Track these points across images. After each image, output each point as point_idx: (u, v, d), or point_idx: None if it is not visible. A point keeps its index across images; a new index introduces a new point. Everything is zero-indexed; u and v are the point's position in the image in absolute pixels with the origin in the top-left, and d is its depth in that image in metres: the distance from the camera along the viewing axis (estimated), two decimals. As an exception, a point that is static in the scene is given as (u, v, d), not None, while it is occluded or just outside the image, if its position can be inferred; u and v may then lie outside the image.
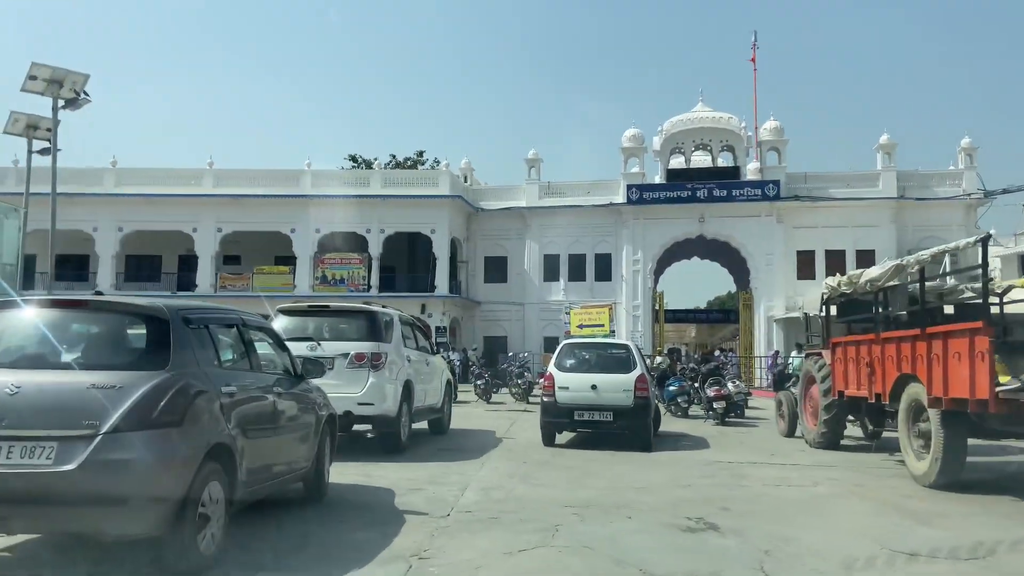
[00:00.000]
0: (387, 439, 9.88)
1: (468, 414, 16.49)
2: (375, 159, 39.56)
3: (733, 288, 55.69)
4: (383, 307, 10.76)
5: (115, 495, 3.99)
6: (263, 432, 5.30)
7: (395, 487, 7.37)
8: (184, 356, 4.53)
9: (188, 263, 36.14)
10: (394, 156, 49.54)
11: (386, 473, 8.22)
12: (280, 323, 9.77)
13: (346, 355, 9.36)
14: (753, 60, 38.53)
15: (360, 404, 9.29)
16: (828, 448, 10.82)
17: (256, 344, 5.93)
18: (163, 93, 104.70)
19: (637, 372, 10.90)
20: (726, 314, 50.29)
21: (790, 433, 12.57)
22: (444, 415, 12.47)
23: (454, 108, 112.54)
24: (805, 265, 34.32)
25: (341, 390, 9.17)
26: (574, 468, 8.99)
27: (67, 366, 4.33)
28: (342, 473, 7.93)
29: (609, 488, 7.64)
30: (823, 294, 11.07)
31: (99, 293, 5.46)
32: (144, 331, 4.56)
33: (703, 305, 63.46)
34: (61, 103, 13.87)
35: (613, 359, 11.44)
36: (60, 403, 4.07)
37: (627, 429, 10.87)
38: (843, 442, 11.21)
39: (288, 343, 9.15)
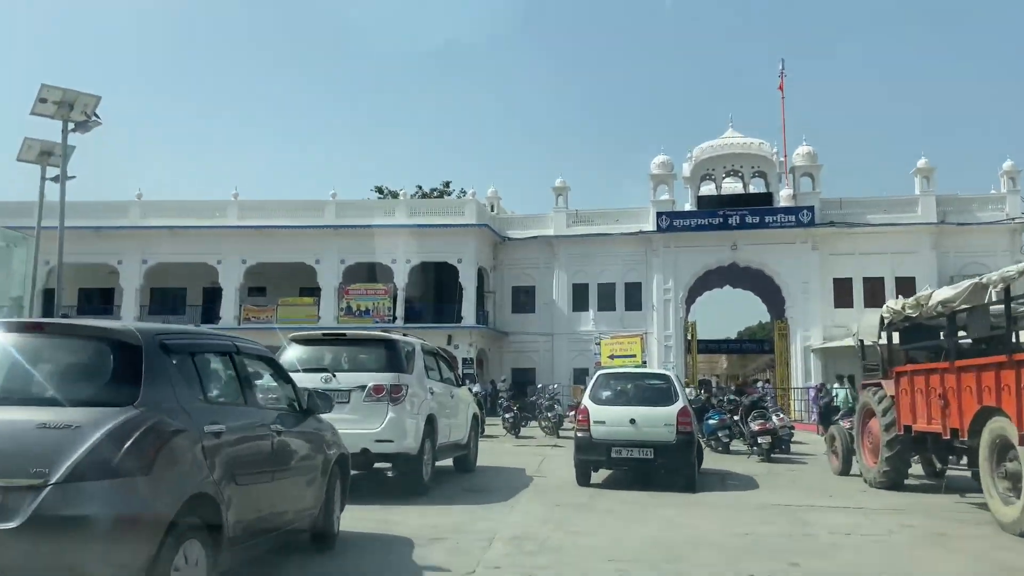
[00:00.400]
0: (408, 479, 9.08)
1: (495, 449, 15.65)
2: (401, 189, 39.20)
3: (764, 318, 54.45)
4: (404, 335, 10.04)
5: (67, 560, 3.25)
6: (258, 477, 4.55)
7: (415, 536, 6.56)
8: (159, 389, 3.80)
9: (213, 295, 35.80)
10: (420, 187, 49.24)
11: (406, 518, 7.42)
12: (292, 353, 9.08)
13: (363, 387, 8.60)
14: (781, 88, 37.85)
15: (378, 441, 8.51)
16: (891, 488, 9.83)
17: (255, 376, 5.22)
18: (181, 121, 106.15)
19: (679, 404, 10.02)
20: (759, 344, 48.99)
21: (845, 471, 11.58)
22: (470, 451, 11.65)
23: (481, 139, 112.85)
24: (842, 293, 33.23)
25: (357, 426, 8.44)
26: (614, 512, 8.12)
27: (15, 401, 3.62)
28: (357, 518, 7.15)
29: (656, 538, 6.76)
30: (883, 318, 10.15)
31: (64, 316, 4.75)
32: (111, 359, 3.83)
33: (733, 335, 62.03)
34: (71, 126, 13.46)
35: (653, 391, 10.57)
36: (1, 446, 3.35)
37: (669, 467, 9.97)
38: (906, 481, 10.22)
39: (300, 375, 8.61)
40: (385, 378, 8.69)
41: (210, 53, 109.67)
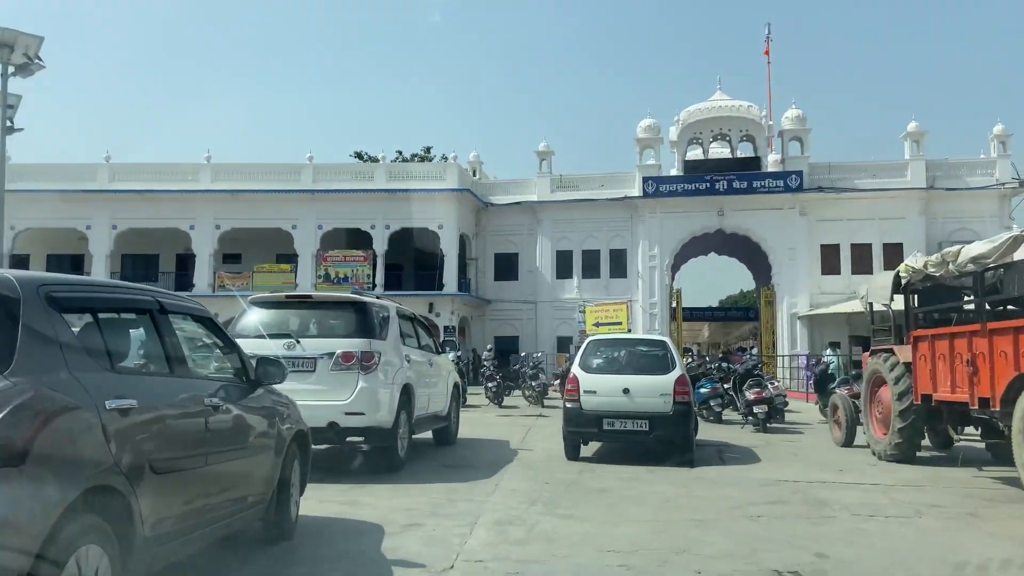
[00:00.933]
0: (381, 454, 8.29)
1: (478, 420, 14.91)
2: (381, 153, 37.97)
3: (747, 287, 53.86)
4: (377, 297, 9.19)
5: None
6: (187, 463, 3.72)
7: (385, 521, 5.78)
8: (41, 354, 2.95)
9: (186, 262, 34.69)
10: (400, 152, 48.01)
11: (377, 500, 6.65)
12: (253, 317, 8.22)
13: (331, 354, 7.77)
14: (767, 53, 36.83)
15: (348, 414, 7.71)
16: (902, 461, 9.16)
17: (191, 341, 4.38)
18: (160, 90, 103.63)
19: (676, 373, 9.25)
20: (744, 311, 48.55)
21: (848, 442, 10.93)
22: (451, 423, 10.88)
23: (463, 103, 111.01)
24: (830, 259, 32.68)
25: (324, 397, 7.65)
26: (608, 491, 7.38)
27: None
28: (322, 500, 6.38)
29: (658, 521, 6.02)
30: (900, 278, 9.40)
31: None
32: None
33: (715, 304, 61.55)
34: (11, 69, 12.32)
35: (648, 358, 9.80)
36: None
37: (665, 440, 9.24)
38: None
39: (259, 341, 7.77)
40: (355, 344, 7.86)
41: (185, 10, 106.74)
